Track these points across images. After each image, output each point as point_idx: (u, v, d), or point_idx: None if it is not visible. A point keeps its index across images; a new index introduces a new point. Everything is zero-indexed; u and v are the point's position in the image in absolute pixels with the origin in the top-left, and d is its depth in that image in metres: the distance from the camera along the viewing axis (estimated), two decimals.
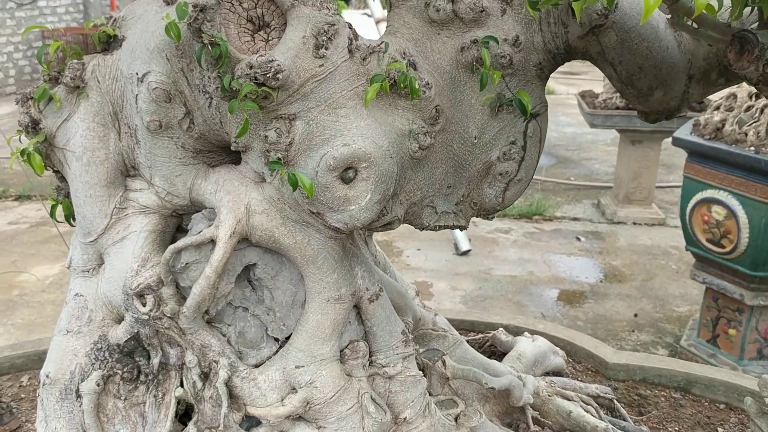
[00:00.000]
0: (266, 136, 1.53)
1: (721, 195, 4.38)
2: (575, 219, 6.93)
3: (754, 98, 4.59)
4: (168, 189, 1.71)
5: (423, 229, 1.76)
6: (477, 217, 1.83)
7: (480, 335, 2.67)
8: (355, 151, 1.51)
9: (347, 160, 1.51)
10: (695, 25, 1.27)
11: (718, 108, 4.74)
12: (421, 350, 2.02)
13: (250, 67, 1.46)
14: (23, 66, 12.38)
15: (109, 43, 1.74)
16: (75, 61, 1.71)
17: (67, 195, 1.84)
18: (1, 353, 2.65)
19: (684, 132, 4.81)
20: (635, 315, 5.00)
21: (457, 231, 6.19)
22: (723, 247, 4.41)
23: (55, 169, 1.83)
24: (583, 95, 6.99)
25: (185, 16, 1.46)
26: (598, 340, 3.29)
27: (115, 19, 1.77)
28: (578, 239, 6.40)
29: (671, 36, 1.62)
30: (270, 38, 1.55)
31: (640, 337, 4.71)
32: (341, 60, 1.55)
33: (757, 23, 1.20)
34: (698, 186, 4.60)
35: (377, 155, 1.52)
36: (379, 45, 1.60)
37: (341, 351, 1.76)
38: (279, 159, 1.53)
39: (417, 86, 1.56)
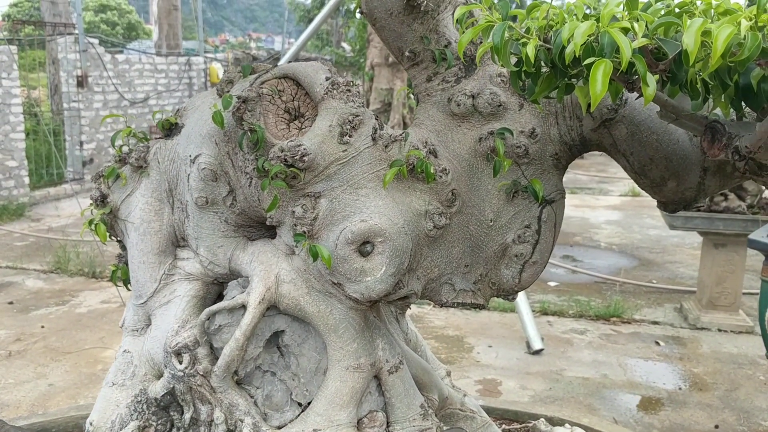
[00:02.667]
0: (293, 212, 1.71)
1: None
2: (655, 323, 6.69)
3: None
4: (211, 258, 1.90)
5: (442, 306, 1.86)
6: (497, 297, 1.91)
7: (521, 425, 2.65)
8: (372, 227, 1.66)
9: (364, 235, 1.66)
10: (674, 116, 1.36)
11: None
12: (445, 428, 2.06)
13: (281, 151, 1.66)
14: None
15: (171, 129, 2.00)
16: (141, 144, 1.98)
17: (126, 262, 2.07)
18: (67, 413, 2.87)
19: (761, 234, 4.69)
20: (716, 426, 4.72)
21: (531, 329, 6.12)
22: None
23: (117, 238, 2.08)
24: None
25: (230, 106, 1.70)
26: None
27: (178, 110, 2.04)
28: (657, 344, 6.16)
29: (682, 129, 1.71)
30: (303, 127, 1.75)
31: None
32: (364, 146, 1.73)
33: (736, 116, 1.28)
34: None
35: (392, 231, 1.66)
36: (400, 134, 1.77)
37: (360, 420, 1.84)
38: (304, 232, 1.70)
39: (432, 171, 1.71)
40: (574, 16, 1.19)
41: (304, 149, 1.64)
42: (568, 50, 1.10)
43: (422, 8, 1.75)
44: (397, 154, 1.75)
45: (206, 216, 1.89)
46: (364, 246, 1.68)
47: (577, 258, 8.55)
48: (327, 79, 1.73)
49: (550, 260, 7.40)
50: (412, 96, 1.93)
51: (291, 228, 1.75)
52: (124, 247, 2.08)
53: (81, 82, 12.37)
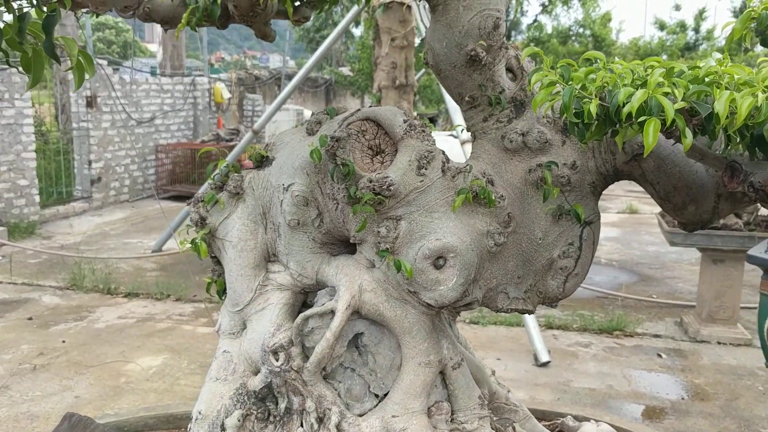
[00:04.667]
0: (378, 231, 2.05)
1: None
2: (656, 336, 6.93)
3: None
4: (300, 271, 2.24)
5: (498, 311, 2.20)
6: (542, 304, 2.24)
7: (550, 422, 2.97)
8: (445, 244, 2.01)
9: (439, 251, 2.01)
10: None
11: None
12: (495, 418, 2.39)
13: (370, 181, 2.01)
14: (137, 177, 13.68)
15: (263, 161, 2.35)
16: (236, 174, 2.32)
17: (220, 275, 2.40)
18: (137, 413, 3.16)
19: (759, 249, 4.99)
20: None
21: (538, 342, 6.37)
22: None
23: (213, 255, 2.40)
24: (663, 214, 7.18)
25: (325, 144, 2.05)
26: None
27: (267, 144, 2.38)
28: (659, 356, 6.39)
29: (699, 163, 2.06)
30: (384, 161, 2.10)
31: None
32: (436, 177, 2.08)
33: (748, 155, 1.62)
34: None
35: (462, 248, 2.01)
36: (465, 167, 2.12)
37: (429, 408, 2.17)
38: (387, 249, 2.04)
39: (493, 198, 2.07)
40: (623, 80, 1.53)
41: (390, 180, 1.99)
42: (624, 110, 1.44)
43: (482, 62, 2.10)
44: (462, 183, 2.10)
45: (296, 235, 2.23)
46: (438, 260, 2.03)
47: None
48: (405, 121, 2.09)
49: None
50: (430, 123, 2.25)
51: (374, 245, 2.09)
52: (218, 263, 2.40)
53: (90, 103, 12.68)
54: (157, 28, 16.95)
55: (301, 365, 2.15)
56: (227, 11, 2.46)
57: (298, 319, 2.15)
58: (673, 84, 1.47)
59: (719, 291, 6.67)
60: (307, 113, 16.99)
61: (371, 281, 2.13)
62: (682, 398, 5.54)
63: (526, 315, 6.68)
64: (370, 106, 2.17)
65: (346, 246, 2.27)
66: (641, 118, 1.42)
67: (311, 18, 3.18)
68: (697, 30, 23.68)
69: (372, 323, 2.19)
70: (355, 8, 8.86)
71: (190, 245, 2.30)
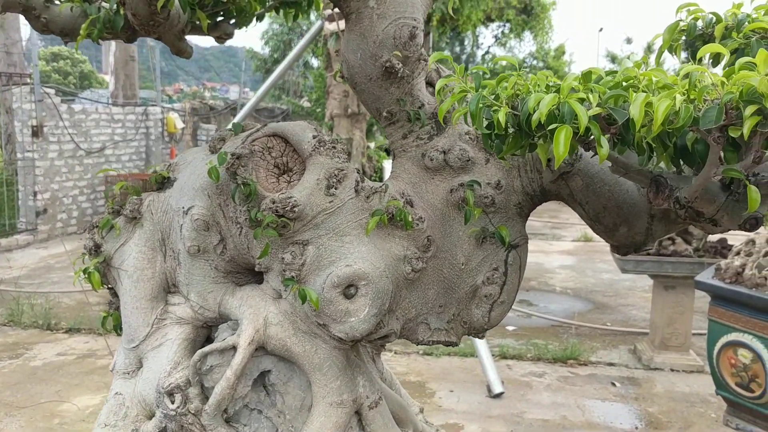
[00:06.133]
0: (283, 258, 1.85)
1: (746, 338, 4.44)
2: (611, 364, 6.88)
3: None
4: (201, 303, 2.02)
5: (419, 344, 2.01)
6: (468, 335, 2.07)
7: None
8: (356, 271, 1.81)
9: (349, 279, 1.82)
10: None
11: (738, 253, 4.91)
12: None
13: (273, 202, 1.82)
14: (86, 208, 13.33)
15: (164, 183, 2.14)
16: (135, 197, 2.11)
17: (117, 308, 2.17)
18: None
19: (706, 276, 4.95)
20: None
21: (491, 373, 6.25)
22: (752, 391, 4.40)
23: (109, 285, 2.18)
24: None
25: (224, 162, 1.85)
26: None
27: (169, 164, 2.18)
28: (613, 384, 6.34)
29: (631, 182, 1.92)
30: (292, 180, 1.92)
31: None
32: (348, 198, 1.90)
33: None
34: (723, 329, 4.66)
35: (374, 275, 1.82)
36: (381, 186, 1.95)
37: None
38: (293, 277, 1.84)
39: (410, 219, 1.89)
40: (537, 87, 1.38)
41: (294, 201, 1.80)
42: (534, 117, 1.28)
43: (399, 74, 1.95)
44: (377, 204, 1.92)
45: (197, 263, 2.01)
46: (349, 289, 1.84)
47: (534, 302, 8.78)
48: (314, 137, 1.90)
49: None
50: (370, 147, 2.11)
51: (279, 273, 1.89)
52: (115, 294, 2.18)
53: (36, 132, 12.29)
54: (111, 58, 16.58)
55: (200, 407, 1.92)
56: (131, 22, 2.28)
57: (195, 357, 1.92)
58: (590, 90, 1.33)
59: (671, 318, 6.65)
60: None
61: (277, 313, 1.92)
62: (636, 427, 5.47)
63: (479, 345, 6.58)
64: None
65: (253, 275, 2.06)
66: (551, 126, 1.27)
67: (233, 36, 3.02)
68: (646, 63, 24.30)
69: (281, 360, 1.97)
70: (307, 37, 8.75)
71: (84, 276, 2.08)
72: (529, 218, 2.01)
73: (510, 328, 7.83)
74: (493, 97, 1.42)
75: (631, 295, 8.96)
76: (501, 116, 1.35)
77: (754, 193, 1.22)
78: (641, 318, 8.02)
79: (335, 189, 1.87)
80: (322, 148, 1.88)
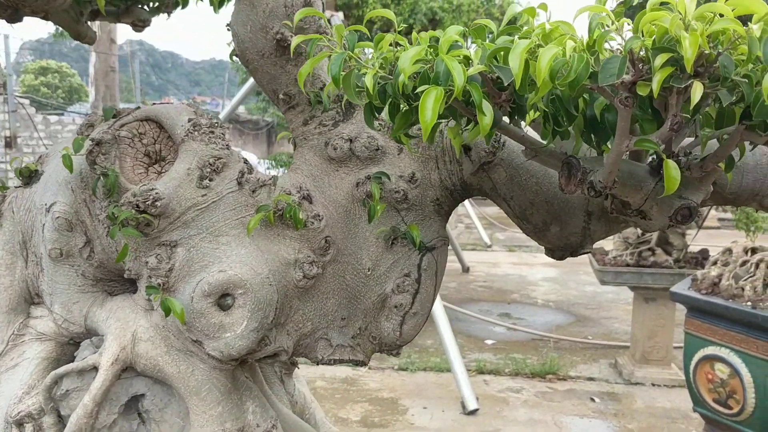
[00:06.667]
0: (147, 262, 1.57)
1: (723, 352, 4.19)
2: (590, 379, 6.66)
3: (749, 253, 4.52)
4: (65, 316, 1.73)
5: (318, 363, 1.72)
6: (380, 352, 1.78)
7: None
8: (231, 278, 1.53)
9: (222, 286, 1.53)
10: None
11: (715, 263, 4.66)
12: None
13: (133, 196, 1.53)
14: None
15: (30, 177, 1.85)
16: None
17: None
18: None
19: (682, 287, 4.71)
20: None
21: (465, 389, 6.02)
22: (730, 408, 4.14)
23: None
24: (593, 252, 6.96)
25: (80, 149, 1.57)
26: None
27: (40, 156, 1.90)
28: (593, 400, 6.13)
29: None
30: (163, 171, 1.63)
31: None
32: (227, 191, 1.61)
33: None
34: (700, 342, 4.42)
35: (255, 282, 1.53)
36: (270, 179, 1.67)
37: None
38: (159, 284, 1.55)
39: (302, 217, 1.60)
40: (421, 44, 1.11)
41: (156, 194, 1.52)
42: (401, 80, 1.02)
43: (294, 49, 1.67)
44: (266, 199, 1.64)
45: (61, 269, 1.72)
46: (225, 299, 1.55)
47: (515, 315, 8.52)
48: (189, 120, 1.62)
49: (487, 318, 7.37)
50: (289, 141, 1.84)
51: (147, 280, 1.61)
52: None
53: (9, 143, 12.01)
54: (91, 69, 16.28)
55: None
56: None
57: (47, 379, 1.62)
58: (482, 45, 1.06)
59: (652, 331, 6.42)
60: (246, 154, 16.60)
61: (149, 328, 1.63)
62: None
63: (454, 359, 6.32)
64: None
65: (131, 283, 1.78)
66: (420, 88, 1.00)
67: (150, 23, 2.75)
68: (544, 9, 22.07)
69: (156, 382, 1.68)
70: None
71: None
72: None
73: (489, 342, 7.59)
74: (365, 59, 1.15)
75: (614, 308, 8.70)
76: (368, 80, 1.08)
77: (672, 169, 0.95)
78: (623, 331, 7.77)
79: (210, 180, 1.58)
80: (196, 133, 1.60)
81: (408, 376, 6.95)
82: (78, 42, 2.57)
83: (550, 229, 1.69)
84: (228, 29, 1.79)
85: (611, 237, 9.64)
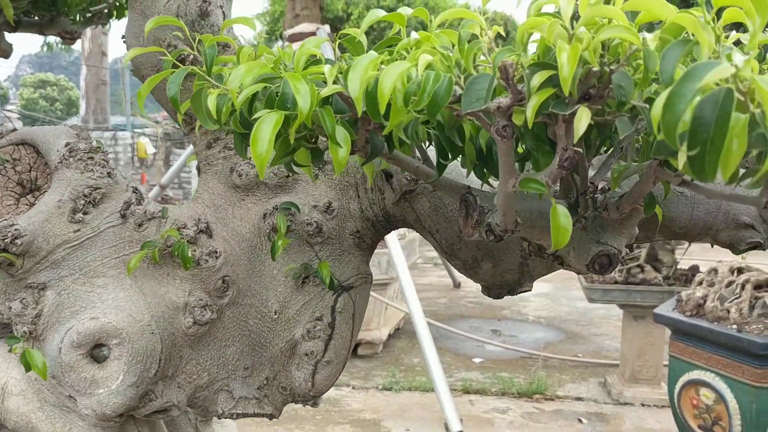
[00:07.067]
0: (10, 307, 1.37)
1: (708, 376, 3.99)
2: (579, 399, 6.48)
3: (735, 273, 4.32)
4: None
5: (220, 417, 1.53)
6: (294, 403, 1.58)
7: None
8: (104, 326, 1.33)
9: (94, 336, 1.33)
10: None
11: (700, 283, 4.46)
12: None
13: None
14: None
15: None
16: None
17: None
18: None
19: (666, 308, 4.52)
20: None
21: (449, 410, 5.82)
22: None
23: None
24: None
25: None
26: None
27: None
28: (580, 421, 5.95)
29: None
30: (36, 202, 1.44)
31: None
32: (106, 225, 1.42)
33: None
34: (684, 366, 4.22)
35: (132, 330, 1.34)
36: (158, 211, 1.47)
37: None
38: (26, 333, 1.36)
39: (191, 255, 1.40)
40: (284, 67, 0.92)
41: (16, 230, 1.32)
42: (240, 98, 0.82)
43: (188, 63, 1.48)
44: (154, 234, 1.45)
45: None
46: (99, 349, 1.35)
47: (504, 332, 8.32)
48: (66, 145, 1.43)
49: (475, 336, 7.12)
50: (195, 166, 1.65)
51: (14, 328, 1.42)
52: None
53: None
54: (82, 82, 16.24)
55: None
56: None
57: None
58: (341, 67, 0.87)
59: (641, 349, 6.22)
60: None
61: (20, 380, 1.44)
62: None
63: (437, 379, 6.11)
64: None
65: (7, 327, 1.58)
66: (256, 114, 0.81)
67: (80, 35, 2.57)
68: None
69: None
70: None
71: None
72: None
73: (477, 360, 7.40)
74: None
75: (605, 324, 8.49)
76: (210, 101, 0.89)
77: (561, 217, 0.74)
78: (614, 348, 7.56)
79: (84, 213, 1.39)
80: (71, 159, 1.40)
81: (392, 396, 6.78)
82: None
83: (482, 266, 1.49)
84: (123, 41, 1.60)
85: None
